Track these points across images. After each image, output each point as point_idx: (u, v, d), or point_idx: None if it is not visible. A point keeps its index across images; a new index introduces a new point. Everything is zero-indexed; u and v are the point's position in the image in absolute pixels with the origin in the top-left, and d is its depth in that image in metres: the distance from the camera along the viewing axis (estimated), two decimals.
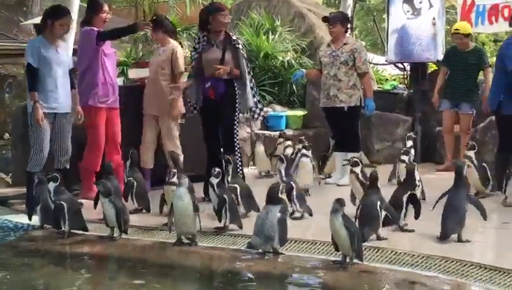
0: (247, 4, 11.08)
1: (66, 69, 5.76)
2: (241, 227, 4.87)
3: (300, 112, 8.72)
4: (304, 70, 7.63)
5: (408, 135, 6.93)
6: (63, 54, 5.82)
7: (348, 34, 6.96)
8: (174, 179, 4.85)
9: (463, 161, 5.52)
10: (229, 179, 5.31)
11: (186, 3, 12.12)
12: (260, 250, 4.33)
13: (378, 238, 4.57)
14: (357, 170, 5.26)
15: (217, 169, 5.04)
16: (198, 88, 6.08)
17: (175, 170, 4.97)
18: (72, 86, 5.83)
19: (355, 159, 5.44)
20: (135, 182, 5.46)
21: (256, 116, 6.38)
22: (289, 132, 8.15)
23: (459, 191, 4.68)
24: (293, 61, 9.16)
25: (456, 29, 7.43)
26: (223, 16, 5.93)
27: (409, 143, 6.73)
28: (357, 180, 5.23)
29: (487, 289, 3.72)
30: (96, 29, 5.94)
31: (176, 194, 4.57)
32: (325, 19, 6.92)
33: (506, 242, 4.76)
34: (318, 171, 7.14)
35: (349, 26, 7.08)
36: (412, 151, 6.63)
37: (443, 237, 4.55)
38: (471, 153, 5.92)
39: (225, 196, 4.83)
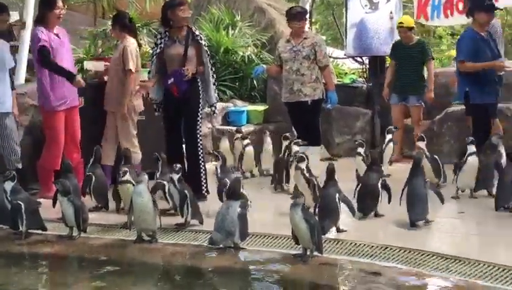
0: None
1: (5, 68, 5.65)
2: (202, 222, 4.87)
3: (261, 107, 8.74)
4: (264, 66, 7.63)
5: (388, 128, 6.83)
6: (3, 52, 5.72)
7: (307, 28, 7.01)
8: (126, 177, 4.77)
9: (420, 152, 5.62)
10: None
11: None
12: (221, 245, 4.33)
13: (338, 230, 4.62)
14: (303, 165, 5.19)
15: (178, 165, 5.02)
16: (160, 85, 6.01)
17: (126, 169, 4.88)
18: (12, 87, 5.76)
19: (301, 155, 5.37)
20: (94, 178, 5.39)
21: (217, 112, 6.36)
22: (249, 127, 8.16)
23: (418, 179, 4.84)
24: (254, 56, 9.16)
25: (400, 23, 7.59)
26: (182, 10, 5.85)
27: (389, 136, 6.70)
28: (302, 175, 5.19)
29: (444, 278, 3.80)
30: (43, 40, 5.74)
31: (135, 191, 4.54)
32: (294, 15, 6.85)
33: (462, 231, 4.88)
34: None
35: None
36: (391, 144, 6.62)
37: (413, 225, 4.71)
38: (422, 145, 6.02)
39: (186, 192, 4.81)
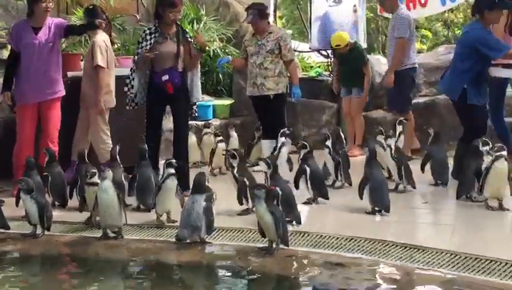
0: None
1: None
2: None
3: (227, 101, 8.73)
4: (229, 56, 7.62)
5: (399, 120, 6.68)
6: None
7: (271, 23, 7.03)
8: (94, 180, 4.71)
9: (373, 142, 5.68)
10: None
11: None
12: (188, 241, 4.32)
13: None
14: (234, 163, 5.16)
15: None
16: (142, 81, 5.88)
17: (94, 171, 4.81)
18: None
19: (233, 152, 5.30)
20: (50, 177, 5.34)
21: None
22: (216, 122, 8.15)
23: (377, 170, 5.01)
24: (219, 51, 9.15)
25: (337, 45, 7.71)
26: (173, 13, 5.69)
27: (399, 128, 6.59)
28: (232, 175, 5.17)
29: (407, 267, 3.86)
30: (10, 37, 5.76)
31: (100, 187, 4.49)
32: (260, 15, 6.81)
33: (426, 221, 4.97)
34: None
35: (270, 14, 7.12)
36: (402, 137, 6.53)
37: (372, 213, 4.87)
38: (380, 138, 6.09)
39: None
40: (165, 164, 4.85)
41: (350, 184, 5.83)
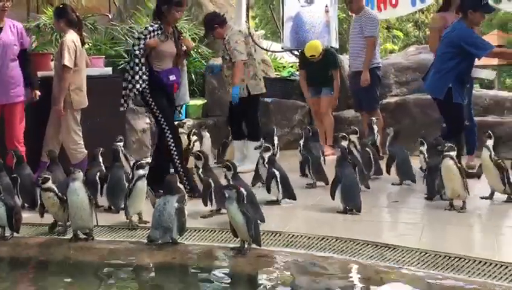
0: None
1: None
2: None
3: (200, 101, 8.72)
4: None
5: (374, 119, 6.84)
6: None
7: (229, 24, 6.95)
8: (48, 185, 4.61)
9: (343, 144, 5.73)
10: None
11: None
12: (160, 242, 4.30)
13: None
14: (199, 164, 5.15)
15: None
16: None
17: (47, 175, 4.68)
18: None
19: (198, 153, 5.30)
20: (19, 179, 5.29)
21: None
22: (188, 122, 8.13)
23: (348, 170, 5.05)
24: (192, 51, 9.11)
25: (312, 56, 7.69)
26: (179, 12, 5.65)
27: (376, 127, 6.74)
28: (198, 175, 5.20)
29: (378, 266, 3.89)
30: None
31: (70, 189, 4.45)
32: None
33: (396, 220, 5.01)
34: (218, 158, 7.22)
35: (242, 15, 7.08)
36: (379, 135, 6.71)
37: (344, 212, 4.92)
38: (354, 138, 6.14)
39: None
40: (134, 165, 4.82)
41: (326, 183, 5.83)
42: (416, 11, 12.03)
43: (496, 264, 3.69)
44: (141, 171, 4.72)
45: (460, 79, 5.79)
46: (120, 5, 11.69)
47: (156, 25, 5.62)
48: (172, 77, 5.67)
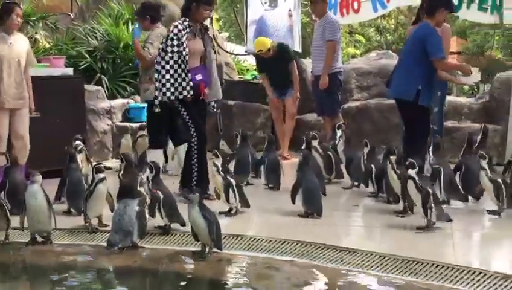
0: None
1: None
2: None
3: None
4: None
5: (338, 124, 6.82)
6: None
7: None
8: None
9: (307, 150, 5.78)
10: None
11: None
12: (120, 245, 4.26)
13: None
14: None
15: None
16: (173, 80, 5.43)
17: None
18: None
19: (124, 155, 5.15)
20: None
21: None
22: None
23: (309, 174, 5.08)
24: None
25: (259, 50, 7.71)
26: (207, 12, 5.47)
27: (339, 132, 6.68)
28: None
29: (338, 269, 3.93)
30: None
31: (28, 192, 4.38)
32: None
33: (356, 224, 5.07)
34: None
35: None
36: (341, 140, 6.59)
37: (305, 216, 4.93)
38: (315, 142, 6.19)
39: None
40: (93, 168, 4.76)
41: (278, 188, 6.00)
42: (378, 17, 12.15)
43: (453, 268, 3.76)
44: (101, 174, 4.66)
45: (429, 81, 5.78)
46: (82, 5, 11.55)
47: (185, 23, 5.42)
48: (198, 76, 5.47)
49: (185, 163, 5.66)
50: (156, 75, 5.46)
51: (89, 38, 8.94)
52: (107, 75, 8.59)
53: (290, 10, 8.59)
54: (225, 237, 4.33)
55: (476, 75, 6.28)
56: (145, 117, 8.19)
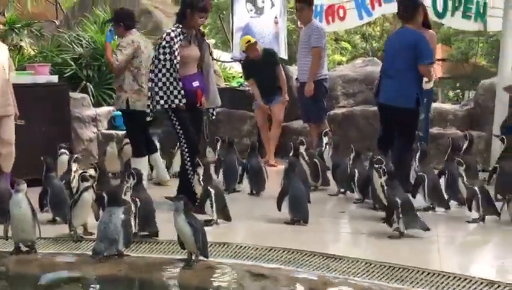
0: (91, 0, 10.76)
1: None
2: None
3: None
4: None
5: (324, 131, 6.90)
6: None
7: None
8: None
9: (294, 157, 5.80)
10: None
11: None
12: (105, 254, 4.23)
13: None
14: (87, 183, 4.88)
15: None
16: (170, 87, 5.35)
17: None
18: None
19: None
20: None
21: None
22: None
23: (296, 181, 5.08)
24: None
25: (247, 47, 7.77)
26: (202, 19, 5.39)
27: (325, 139, 6.77)
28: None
29: (324, 276, 3.92)
30: None
31: (12, 200, 4.34)
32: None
33: (342, 230, 5.08)
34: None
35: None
36: (328, 146, 6.68)
37: (292, 223, 4.94)
38: (302, 148, 6.21)
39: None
40: (79, 176, 4.73)
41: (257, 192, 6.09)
42: (363, 24, 12.23)
43: (439, 275, 3.77)
44: (86, 183, 4.63)
45: (421, 86, 5.85)
46: (68, 12, 11.52)
47: (178, 30, 5.34)
48: (195, 83, 5.40)
49: (181, 174, 5.61)
50: (149, 84, 5.42)
51: (74, 46, 8.91)
52: (92, 82, 8.56)
53: (275, 17, 8.63)
54: (211, 244, 4.31)
55: (429, 83, 6.35)
56: None
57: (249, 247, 4.39)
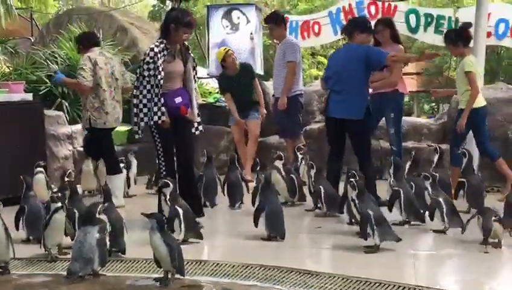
0: (67, 17, 10.75)
1: None
2: None
3: (124, 127, 8.60)
4: (62, 75, 7.01)
5: (298, 146, 7.03)
6: None
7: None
8: None
9: (270, 170, 5.83)
10: None
11: (1, 15, 11.46)
12: (81, 274, 4.18)
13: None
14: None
15: None
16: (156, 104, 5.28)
17: None
18: None
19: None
20: None
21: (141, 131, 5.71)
22: None
23: (272, 196, 5.11)
24: None
25: (227, 49, 7.85)
26: (186, 35, 5.29)
27: (300, 154, 6.92)
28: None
29: None
30: None
31: None
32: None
33: (319, 246, 5.08)
34: (148, 185, 7.19)
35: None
36: (303, 161, 6.79)
37: (268, 240, 4.94)
38: (279, 164, 6.23)
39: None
40: (50, 196, 4.67)
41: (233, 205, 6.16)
42: (339, 38, 12.35)
43: (414, 289, 3.80)
44: (58, 203, 4.57)
45: (367, 98, 6.04)
46: (43, 29, 11.47)
47: (162, 45, 5.25)
48: (178, 99, 5.30)
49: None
50: (134, 100, 5.35)
51: (49, 63, 8.86)
52: (67, 99, 8.51)
53: (251, 33, 8.69)
54: (188, 262, 4.29)
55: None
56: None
57: (226, 264, 4.38)
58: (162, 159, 5.40)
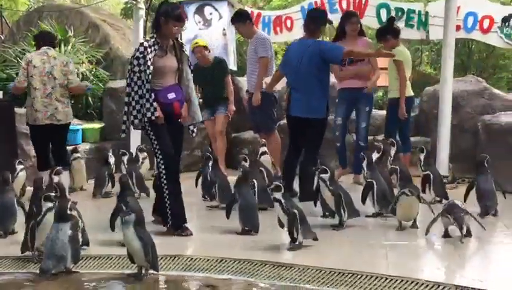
0: (37, 14, 10.63)
1: None
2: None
3: (97, 125, 8.55)
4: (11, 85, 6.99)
5: (261, 143, 7.11)
6: None
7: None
8: None
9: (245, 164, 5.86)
10: None
11: None
12: (53, 272, 4.15)
13: None
14: None
15: None
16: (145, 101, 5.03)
17: None
18: None
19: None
20: None
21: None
22: (86, 146, 7.95)
23: (246, 190, 5.13)
24: (88, 73, 8.96)
25: (195, 43, 7.86)
26: (177, 28, 5.08)
27: (263, 149, 6.97)
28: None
29: (275, 285, 3.94)
30: None
31: None
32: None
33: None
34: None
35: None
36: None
37: (243, 233, 4.99)
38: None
39: None
40: (41, 196, 4.57)
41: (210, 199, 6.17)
42: None
43: (387, 279, 3.85)
44: (49, 204, 4.44)
45: (328, 94, 6.10)
46: (13, 26, 11.32)
47: (152, 40, 5.07)
48: (171, 95, 5.07)
49: (157, 194, 5.39)
50: (125, 98, 5.10)
51: (19, 61, 8.75)
52: None
53: (224, 29, 8.68)
54: (162, 257, 4.29)
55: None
56: (79, 140, 8.16)
57: (200, 259, 4.38)
58: (160, 156, 5.10)
